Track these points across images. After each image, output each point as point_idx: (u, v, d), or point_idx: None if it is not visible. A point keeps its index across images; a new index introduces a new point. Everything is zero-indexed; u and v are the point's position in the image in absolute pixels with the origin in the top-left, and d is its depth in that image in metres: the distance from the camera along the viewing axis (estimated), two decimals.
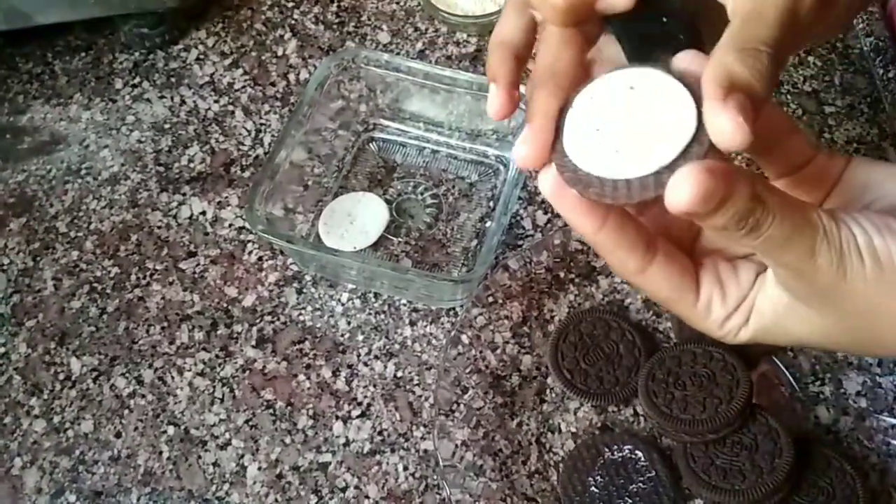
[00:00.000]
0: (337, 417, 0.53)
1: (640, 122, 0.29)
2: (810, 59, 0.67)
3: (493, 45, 0.37)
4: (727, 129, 0.26)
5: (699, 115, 0.28)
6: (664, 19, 0.32)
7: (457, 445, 0.50)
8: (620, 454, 0.50)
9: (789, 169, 0.35)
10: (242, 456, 0.52)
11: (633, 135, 0.29)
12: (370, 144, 0.64)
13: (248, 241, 0.60)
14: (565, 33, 0.33)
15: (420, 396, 0.53)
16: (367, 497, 0.50)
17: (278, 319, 0.56)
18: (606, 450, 0.50)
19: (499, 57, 0.36)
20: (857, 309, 0.31)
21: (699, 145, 0.27)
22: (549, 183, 0.31)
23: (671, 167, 0.27)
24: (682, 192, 0.26)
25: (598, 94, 0.30)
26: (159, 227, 0.61)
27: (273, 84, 0.67)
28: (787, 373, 0.52)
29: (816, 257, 0.29)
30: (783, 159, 0.35)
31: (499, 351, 0.54)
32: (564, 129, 0.31)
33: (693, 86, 0.28)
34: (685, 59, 0.30)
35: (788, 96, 0.65)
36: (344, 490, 0.51)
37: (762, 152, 0.35)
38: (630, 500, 0.49)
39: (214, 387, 0.54)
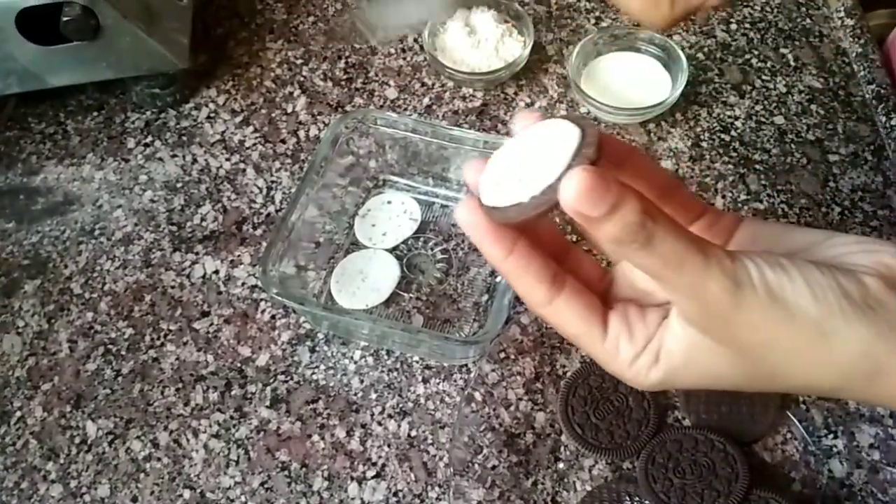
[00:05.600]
0: (352, 479, 0.53)
1: (538, 157, 0.31)
2: (813, 107, 0.68)
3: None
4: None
5: (582, 137, 0.31)
6: None
7: None
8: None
9: (682, 221, 0.37)
10: None
11: (532, 167, 0.31)
12: None
13: (261, 299, 0.60)
14: None
15: (434, 456, 0.53)
16: None
17: (292, 379, 0.57)
18: (627, 497, 0.50)
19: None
20: (753, 341, 0.32)
21: (583, 157, 0.30)
22: (464, 215, 0.33)
23: (562, 177, 0.30)
24: (570, 189, 0.29)
25: (509, 147, 0.33)
26: (173, 287, 0.61)
27: (283, 141, 0.68)
28: (800, 426, 0.53)
29: (710, 282, 0.30)
30: (673, 211, 0.36)
31: (512, 408, 0.54)
32: (482, 182, 0.34)
33: (585, 126, 0.31)
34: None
35: (792, 145, 0.66)
36: None
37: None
38: None
39: (229, 449, 0.54)
